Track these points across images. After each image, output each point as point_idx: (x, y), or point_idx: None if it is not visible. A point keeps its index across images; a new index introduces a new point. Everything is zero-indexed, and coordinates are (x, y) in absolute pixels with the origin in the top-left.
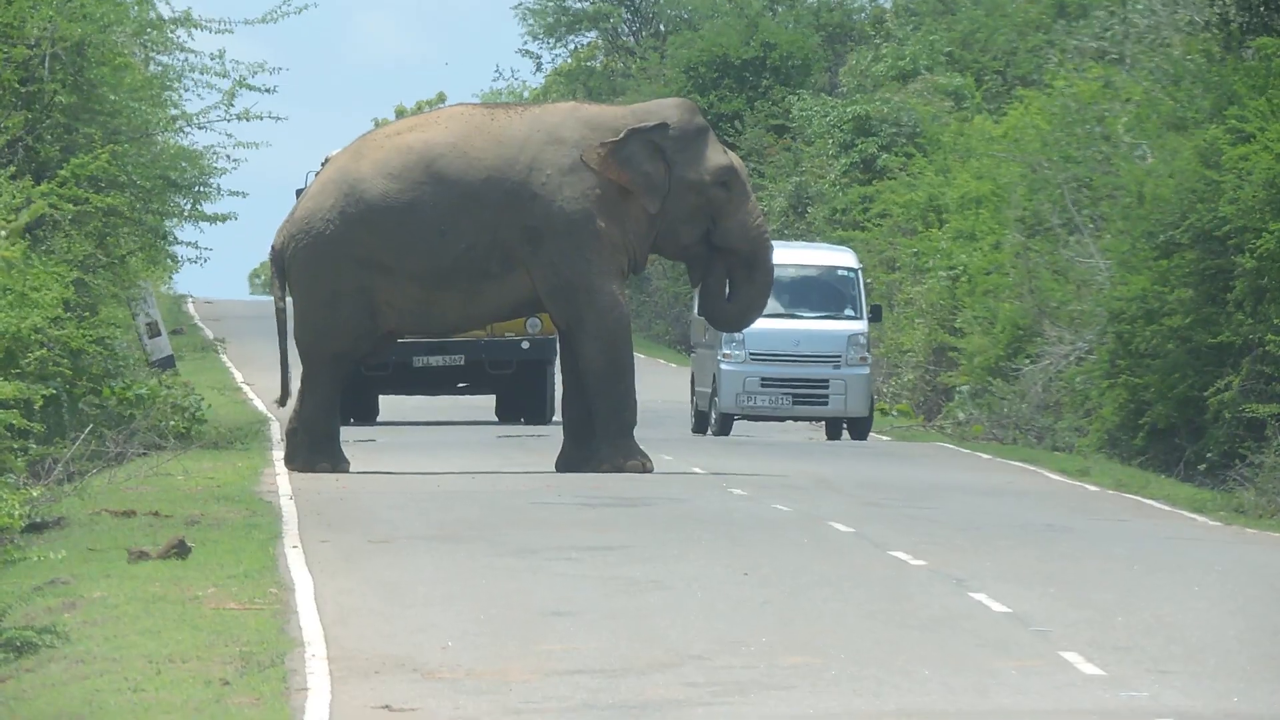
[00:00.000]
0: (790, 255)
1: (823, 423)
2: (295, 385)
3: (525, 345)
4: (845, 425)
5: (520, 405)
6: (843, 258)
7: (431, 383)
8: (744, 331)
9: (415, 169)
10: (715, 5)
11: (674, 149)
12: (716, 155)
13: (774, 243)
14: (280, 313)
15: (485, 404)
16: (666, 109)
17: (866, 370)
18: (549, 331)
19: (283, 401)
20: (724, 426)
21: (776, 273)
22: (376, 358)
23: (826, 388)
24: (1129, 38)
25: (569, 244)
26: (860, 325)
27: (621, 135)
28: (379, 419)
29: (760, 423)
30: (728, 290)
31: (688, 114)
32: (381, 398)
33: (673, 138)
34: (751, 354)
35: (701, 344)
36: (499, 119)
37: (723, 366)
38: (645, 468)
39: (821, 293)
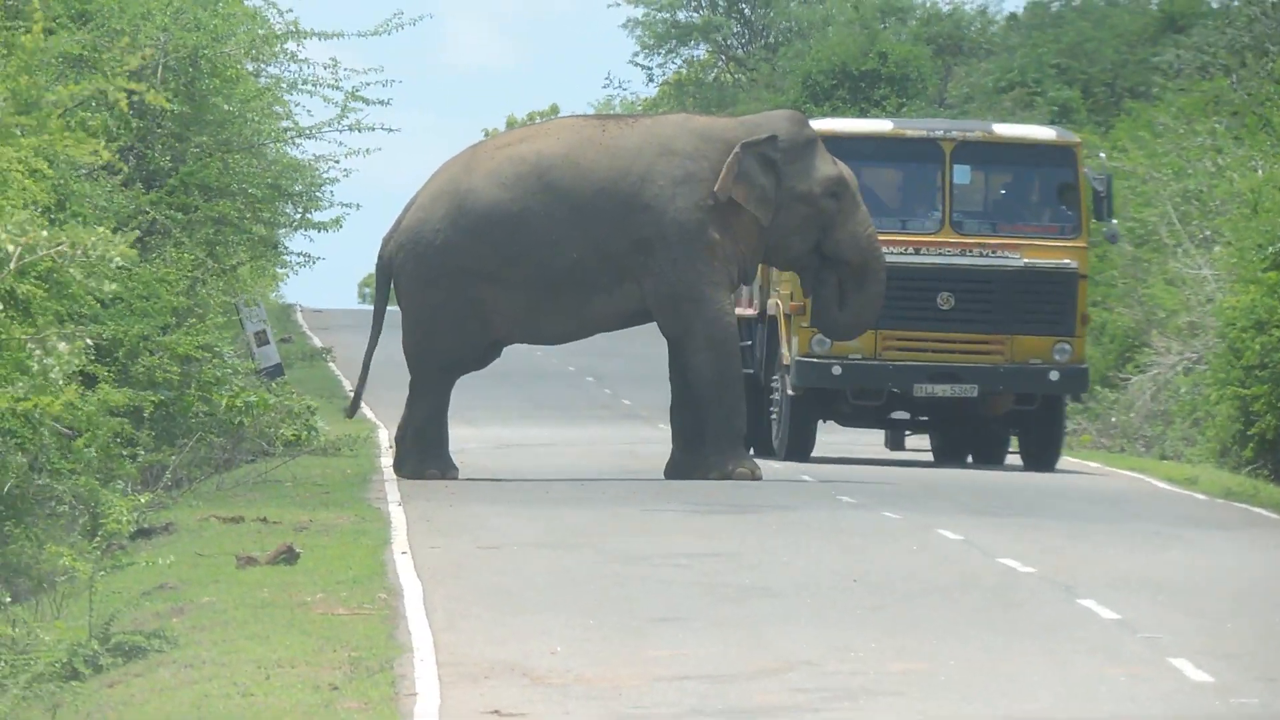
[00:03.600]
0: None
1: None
2: (404, 408)
3: (1054, 376)
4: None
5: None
6: None
7: (932, 415)
8: None
9: (528, 179)
10: (829, 15)
11: (785, 161)
12: (826, 166)
13: None
14: (379, 318)
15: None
16: (776, 121)
17: None
18: (1078, 359)
19: (351, 413)
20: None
21: None
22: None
23: None
24: (1234, 50)
25: (682, 254)
26: None
27: (735, 151)
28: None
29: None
30: (840, 299)
31: (797, 125)
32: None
33: (783, 149)
34: None
35: None
36: (610, 130)
37: None
38: (754, 475)
39: None
